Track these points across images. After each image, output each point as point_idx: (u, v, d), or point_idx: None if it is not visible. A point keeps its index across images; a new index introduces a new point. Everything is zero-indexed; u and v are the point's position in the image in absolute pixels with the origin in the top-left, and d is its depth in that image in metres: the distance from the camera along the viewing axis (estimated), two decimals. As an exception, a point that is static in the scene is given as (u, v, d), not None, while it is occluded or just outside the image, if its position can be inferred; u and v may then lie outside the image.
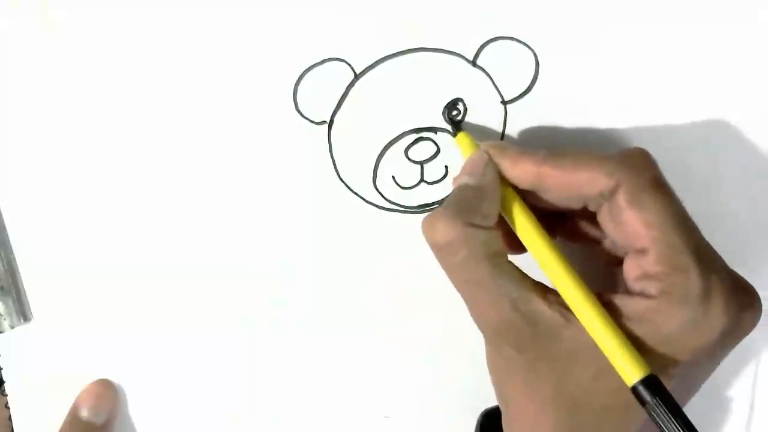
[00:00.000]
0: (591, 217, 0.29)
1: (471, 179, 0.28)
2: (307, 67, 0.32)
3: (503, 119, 0.33)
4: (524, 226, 0.28)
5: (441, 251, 0.27)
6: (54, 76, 0.32)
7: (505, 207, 0.28)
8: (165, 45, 0.32)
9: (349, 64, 0.32)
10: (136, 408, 0.35)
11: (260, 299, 0.34)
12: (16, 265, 0.34)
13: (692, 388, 0.29)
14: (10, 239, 0.34)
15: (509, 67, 0.32)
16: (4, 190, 0.33)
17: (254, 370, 0.35)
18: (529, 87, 0.32)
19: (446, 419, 0.35)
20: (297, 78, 0.32)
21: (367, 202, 0.33)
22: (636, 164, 0.27)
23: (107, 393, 0.35)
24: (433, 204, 0.34)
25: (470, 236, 0.26)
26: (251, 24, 0.32)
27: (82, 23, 0.32)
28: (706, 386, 0.35)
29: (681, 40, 0.32)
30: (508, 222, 0.29)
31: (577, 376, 0.27)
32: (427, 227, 0.27)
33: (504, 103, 0.32)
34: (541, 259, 0.27)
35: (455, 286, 0.28)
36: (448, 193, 0.32)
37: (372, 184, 0.33)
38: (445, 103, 0.32)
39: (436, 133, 0.32)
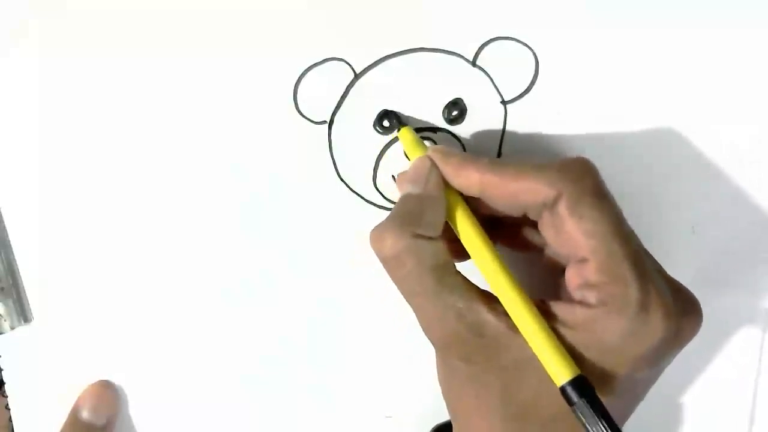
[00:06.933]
0: (534, 225, 0.29)
1: (415, 188, 0.28)
2: (307, 67, 0.32)
3: (503, 119, 0.33)
4: (467, 233, 0.28)
5: (389, 264, 0.27)
6: (54, 75, 0.33)
7: (450, 214, 0.28)
8: (165, 45, 0.32)
9: (349, 64, 0.32)
10: (136, 408, 0.35)
11: (260, 299, 0.34)
12: (16, 265, 0.34)
13: (638, 396, 0.29)
14: (10, 239, 0.34)
15: (509, 67, 0.32)
16: (4, 190, 0.33)
17: (254, 370, 0.35)
18: (529, 87, 0.32)
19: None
20: (297, 78, 0.32)
21: (367, 201, 0.33)
22: (576, 173, 0.27)
23: (108, 394, 0.35)
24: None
25: (417, 248, 0.26)
26: (252, 24, 0.32)
27: (79, 22, 0.32)
28: (707, 387, 0.35)
29: (681, 40, 0.32)
30: (453, 228, 0.28)
31: (524, 386, 0.27)
32: (375, 240, 0.27)
33: (504, 103, 0.32)
34: (482, 265, 0.27)
35: (404, 298, 0.28)
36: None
37: (372, 184, 0.33)
38: (445, 103, 0.32)
39: (436, 132, 0.32)
